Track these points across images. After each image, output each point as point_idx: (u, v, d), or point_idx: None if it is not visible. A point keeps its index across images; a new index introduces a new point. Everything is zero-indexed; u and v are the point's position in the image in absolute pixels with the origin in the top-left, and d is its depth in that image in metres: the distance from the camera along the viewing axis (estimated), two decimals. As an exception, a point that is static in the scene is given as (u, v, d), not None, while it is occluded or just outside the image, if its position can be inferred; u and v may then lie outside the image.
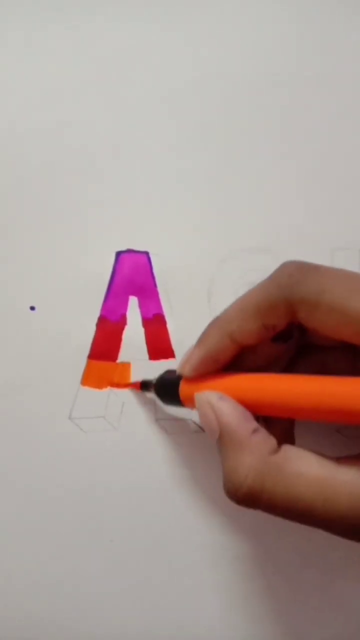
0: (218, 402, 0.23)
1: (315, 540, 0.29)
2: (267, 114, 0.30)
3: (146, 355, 0.30)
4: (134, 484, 0.29)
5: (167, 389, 0.26)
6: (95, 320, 0.30)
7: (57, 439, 0.29)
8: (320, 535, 0.22)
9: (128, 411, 0.30)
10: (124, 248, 0.30)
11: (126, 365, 0.29)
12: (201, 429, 0.29)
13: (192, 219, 0.30)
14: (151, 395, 0.29)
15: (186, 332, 0.29)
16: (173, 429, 0.30)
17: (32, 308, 0.30)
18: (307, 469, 0.21)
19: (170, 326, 0.30)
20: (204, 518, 0.30)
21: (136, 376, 0.29)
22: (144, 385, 0.28)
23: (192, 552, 0.29)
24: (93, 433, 0.29)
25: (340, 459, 0.22)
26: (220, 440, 0.23)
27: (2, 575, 0.29)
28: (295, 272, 0.22)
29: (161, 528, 0.29)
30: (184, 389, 0.25)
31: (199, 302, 0.30)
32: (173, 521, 0.29)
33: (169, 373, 0.27)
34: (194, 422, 0.30)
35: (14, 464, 0.29)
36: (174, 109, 0.30)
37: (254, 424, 0.23)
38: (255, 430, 0.23)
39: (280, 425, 0.24)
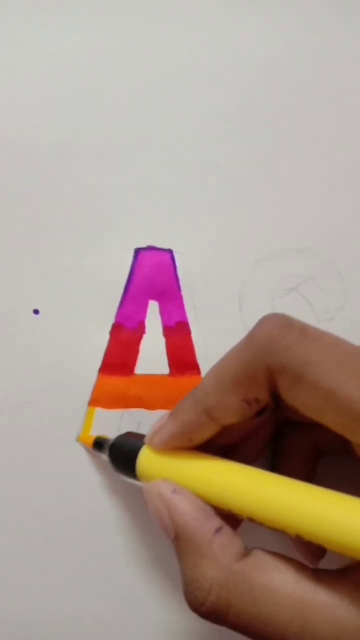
0: (172, 496, 0.21)
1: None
2: (314, 102, 0.28)
3: (167, 369, 0.27)
4: (148, 512, 0.27)
5: (123, 456, 0.24)
6: (108, 327, 0.27)
7: (62, 464, 0.27)
8: None
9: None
10: (143, 245, 0.28)
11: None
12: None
13: (223, 213, 0.28)
14: (104, 457, 0.26)
15: (213, 343, 0.27)
16: None
17: (36, 312, 0.27)
18: (280, 584, 0.18)
19: (195, 336, 0.28)
20: None
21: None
22: (97, 445, 0.26)
23: None
24: (103, 458, 0.26)
25: (318, 573, 0.19)
26: (176, 542, 0.20)
27: (4, 605, 0.28)
28: (275, 333, 0.20)
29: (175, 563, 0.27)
30: (143, 460, 0.23)
31: (228, 308, 0.28)
32: None
33: (129, 439, 0.25)
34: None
35: (14, 491, 0.27)
36: (210, 93, 0.28)
37: (215, 523, 0.20)
38: (217, 530, 0.20)
39: None
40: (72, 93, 0.27)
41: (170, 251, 0.27)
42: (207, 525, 0.20)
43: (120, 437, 0.25)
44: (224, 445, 0.23)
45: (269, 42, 0.28)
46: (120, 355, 0.27)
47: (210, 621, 0.20)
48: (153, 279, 0.27)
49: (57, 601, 0.27)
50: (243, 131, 0.28)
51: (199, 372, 0.27)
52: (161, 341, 0.27)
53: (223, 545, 0.20)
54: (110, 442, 0.25)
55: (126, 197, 0.27)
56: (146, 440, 0.23)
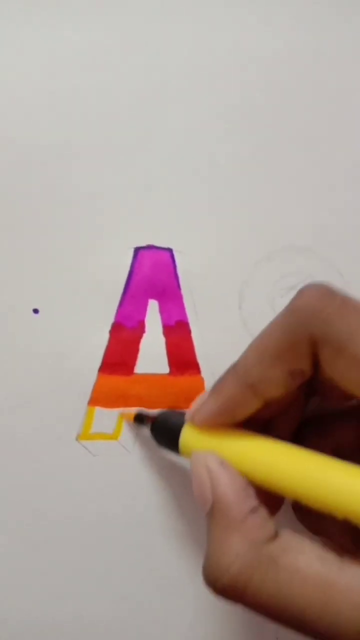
0: (218, 469, 0.21)
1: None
2: (316, 100, 0.28)
3: (167, 368, 0.27)
4: (150, 513, 0.27)
5: (166, 431, 0.24)
6: (108, 326, 0.27)
7: (62, 464, 0.27)
8: None
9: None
10: (143, 244, 0.27)
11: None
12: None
13: (223, 212, 0.28)
14: (143, 431, 0.26)
15: (213, 343, 0.27)
16: None
17: (36, 311, 0.27)
18: (305, 564, 0.18)
19: (195, 335, 0.27)
20: None
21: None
22: (139, 418, 0.26)
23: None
24: (104, 457, 0.27)
25: (344, 556, 0.19)
26: (210, 514, 0.20)
27: (4, 606, 0.27)
28: (317, 303, 0.19)
29: (179, 562, 0.27)
30: (186, 437, 0.23)
31: (228, 307, 0.27)
32: (192, 555, 0.27)
33: (172, 414, 0.25)
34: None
35: (14, 491, 0.27)
36: (209, 92, 0.28)
37: (252, 502, 0.20)
38: (252, 511, 0.20)
39: None
40: (71, 93, 0.27)
41: (170, 250, 0.27)
42: (245, 502, 0.20)
43: (163, 413, 0.25)
44: (260, 422, 0.23)
45: (269, 42, 0.28)
46: (120, 355, 0.27)
47: (224, 597, 0.19)
48: (153, 278, 0.27)
49: (57, 601, 0.27)
50: (243, 130, 0.28)
51: (199, 371, 0.27)
52: (161, 340, 0.27)
53: (255, 525, 0.19)
54: (153, 417, 0.25)
55: (126, 196, 0.27)
56: (187, 418, 0.23)
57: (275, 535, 0.19)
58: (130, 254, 0.27)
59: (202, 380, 0.27)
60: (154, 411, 0.25)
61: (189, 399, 0.27)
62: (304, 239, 0.27)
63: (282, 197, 0.28)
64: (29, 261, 0.27)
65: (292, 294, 0.27)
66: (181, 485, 0.27)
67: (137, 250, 0.27)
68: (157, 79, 0.28)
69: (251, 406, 0.21)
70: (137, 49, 0.28)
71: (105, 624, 0.27)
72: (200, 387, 0.27)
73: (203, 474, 0.21)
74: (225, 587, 0.19)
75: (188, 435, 0.23)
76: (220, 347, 0.27)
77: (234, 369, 0.21)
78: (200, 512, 0.21)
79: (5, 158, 0.27)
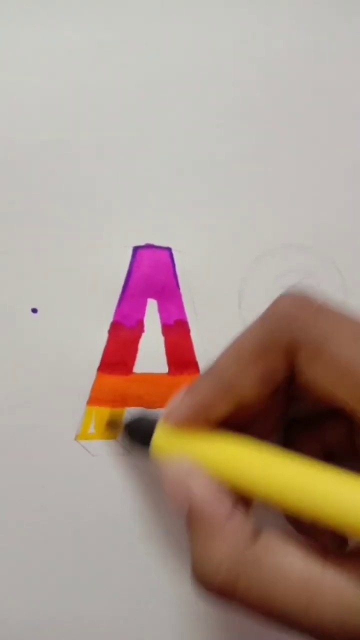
0: (188, 476, 0.21)
1: None
2: (314, 98, 0.28)
3: (166, 368, 0.27)
4: (150, 513, 0.27)
5: (139, 432, 0.24)
6: (107, 326, 0.27)
7: (61, 464, 0.27)
8: None
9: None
10: (142, 243, 0.27)
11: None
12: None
13: (222, 211, 0.28)
14: (120, 438, 0.26)
15: (213, 342, 0.27)
16: None
17: (34, 311, 0.27)
18: (288, 565, 0.19)
19: (195, 334, 0.27)
20: None
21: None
22: (111, 424, 0.26)
23: None
24: (103, 457, 0.27)
25: (327, 555, 0.19)
26: (189, 521, 0.21)
27: (2, 605, 0.27)
28: (294, 310, 0.20)
29: (178, 561, 0.27)
30: (159, 439, 0.23)
31: (228, 306, 0.27)
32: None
33: (145, 414, 0.25)
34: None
35: (13, 490, 0.27)
36: (208, 91, 0.28)
37: (228, 505, 0.20)
38: (230, 514, 0.20)
39: None
40: (70, 91, 0.27)
41: (168, 249, 0.27)
42: (221, 507, 0.20)
43: (135, 415, 0.25)
44: (238, 426, 0.23)
45: (269, 42, 0.28)
46: (119, 354, 0.27)
47: (215, 600, 0.20)
48: (152, 277, 0.27)
49: (56, 601, 0.27)
50: (242, 129, 0.28)
51: (198, 371, 0.27)
52: (160, 340, 0.27)
53: (235, 528, 0.20)
54: (126, 419, 0.25)
55: (124, 195, 0.27)
56: (163, 417, 0.23)
57: (256, 533, 0.20)
58: (128, 253, 0.27)
59: (201, 379, 0.27)
60: (125, 415, 0.26)
61: (188, 399, 0.27)
62: (303, 237, 0.27)
63: (281, 196, 0.28)
64: (28, 261, 0.27)
65: (291, 292, 0.27)
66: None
67: (136, 249, 0.27)
68: (156, 78, 0.28)
69: (225, 407, 0.21)
70: (137, 48, 0.28)
71: (104, 624, 0.27)
72: (200, 386, 0.27)
73: (176, 479, 0.21)
74: (216, 589, 0.19)
75: (161, 436, 0.22)
76: (219, 347, 0.26)
77: (210, 371, 0.22)
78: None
79: (4, 157, 0.27)
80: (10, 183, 0.27)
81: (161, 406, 0.26)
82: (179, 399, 0.22)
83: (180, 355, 0.27)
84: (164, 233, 0.27)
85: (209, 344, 0.27)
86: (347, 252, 0.27)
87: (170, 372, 0.27)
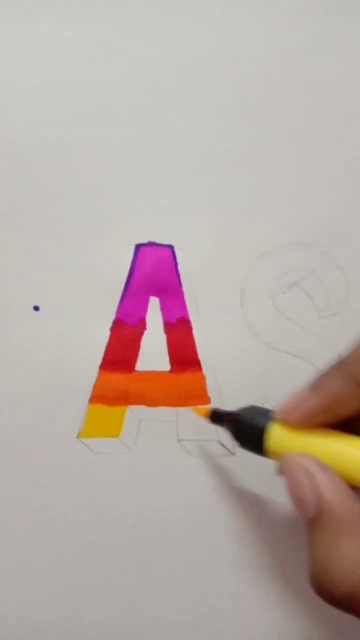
0: (319, 473, 0.20)
1: None
2: (314, 97, 0.28)
3: (168, 366, 0.27)
4: (150, 512, 0.27)
5: (249, 430, 0.23)
6: (109, 323, 0.27)
7: (63, 462, 0.27)
8: None
9: (146, 430, 0.27)
10: (144, 240, 0.27)
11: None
12: (230, 452, 0.27)
13: (224, 209, 0.27)
14: (222, 430, 0.25)
15: (215, 340, 0.27)
16: (197, 452, 0.27)
17: (36, 308, 0.27)
18: None
19: (197, 332, 0.27)
20: (223, 553, 0.27)
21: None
22: (215, 417, 0.25)
23: (207, 587, 0.27)
24: (105, 455, 0.27)
25: None
26: (317, 521, 0.19)
27: (5, 605, 0.27)
28: None
29: (176, 563, 0.27)
30: (276, 438, 0.22)
31: (230, 305, 0.27)
32: (190, 556, 0.27)
33: (254, 410, 0.23)
34: (221, 444, 0.27)
35: (14, 489, 0.27)
36: (210, 89, 0.28)
37: (359, 505, 0.19)
38: None
39: None
40: (71, 89, 0.27)
41: (171, 247, 0.27)
42: (355, 507, 0.19)
43: (242, 412, 0.23)
44: (339, 423, 0.22)
45: (268, 41, 0.28)
46: (121, 352, 0.27)
47: (337, 607, 0.18)
48: (154, 275, 0.27)
49: (58, 598, 0.27)
50: (243, 127, 0.28)
51: (200, 369, 0.27)
52: (162, 337, 0.27)
53: None
54: (234, 415, 0.23)
55: (126, 193, 0.27)
56: (279, 416, 0.22)
57: None
58: (131, 251, 0.27)
59: (203, 377, 0.27)
60: (232, 410, 0.24)
61: (190, 396, 0.27)
62: (305, 235, 0.27)
63: (282, 194, 0.27)
64: (30, 259, 0.27)
65: (294, 290, 0.27)
66: (182, 483, 0.27)
67: (138, 247, 0.27)
68: (157, 77, 0.28)
69: (356, 403, 0.20)
70: (137, 47, 0.28)
71: (104, 622, 0.27)
72: (202, 384, 0.27)
73: (302, 478, 0.20)
74: (345, 595, 0.18)
75: (277, 436, 0.22)
76: (221, 345, 0.27)
77: (340, 365, 0.21)
78: (294, 529, 0.21)
79: (6, 155, 0.27)
80: (12, 181, 0.27)
81: (163, 404, 0.26)
82: (301, 397, 0.21)
83: (183, 353, 0.27)
84: (166, 231, 0.27)
85: (211, 342, 0.27)
86: (348, 249, 0.27)
87: (172, 370, 0.27)
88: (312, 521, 0.19)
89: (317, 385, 0.21)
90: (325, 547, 0.19)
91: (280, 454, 0.21)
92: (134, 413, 0.27)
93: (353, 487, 0.20)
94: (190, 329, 0.27)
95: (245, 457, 0.23)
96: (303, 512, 0.20)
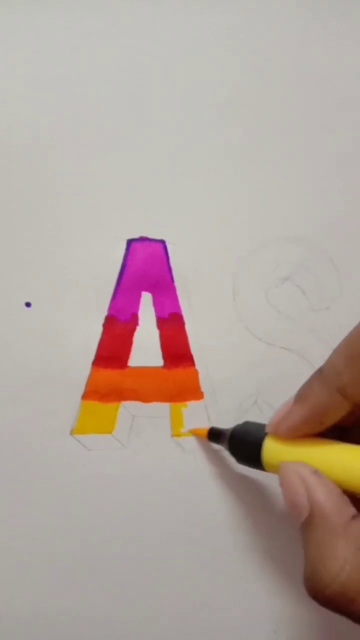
0: (312, 478, 0.20)
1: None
2: (305, 92, 0.28)
3: (161, 361, 0.27)
4: (144, 509, 0.27)
5: (245, 446, 0.23)
6: (101, 320, 0.27)
7: (56, 459, 0.26)
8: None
9: (139, 426, 0.27)
10: (136, 235, 0.27)
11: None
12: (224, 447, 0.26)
13: (215, 203, 0.27)
14: (220, 447, 0.26)
15: (207, 335, 0.27)
16: (190, 447, 0.27)
17: (28, 304, 0.27)
18: None
19: (189, 328, 0.27)
20: (219, 548, 0.27)
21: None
22: (213, 435, 0.26)
23: (203, 581, 0.27)
24: (98, 451, 0.27)
25: None
26: (309, 524, 0.20)
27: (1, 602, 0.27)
28: None
29: (172, 558, 0.27)
30: (270, 451, 0.22)
31: (222, 300, 0.27)
32: (186, 551, 0.27)
33: (248, 426, 0.24)
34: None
35: (8, 485, 0.27)
36: (201, 82, 0.27)
37: (351, 509, 0.20)
38: (354, 516, 0.19)
39: None
40: (62, 85, 0.27)
41: (162, 242, 0.27)
42: (346, 510, 0.19)
43: (238, 427, 0.24)
44: (335, 430, 0.22)
45: (263, 32, 0.28)
46: (113, 348, 0.26)
47: (329, 607, 0.18)
48: (146, 270, 0.27)
49: (53, 594, 0.27)
50: (235, 121, 0.27)
51: (193, 364, 0.27)
52: (155, 333, 0.27)
53: (358, 530, 0.19)
54: (229, 433, 0.24)
55: (117, 188, 0.27)
56: (269, 429, 0.22)
57: None
58: (122, 246, 0.27)
59: (196, 372, 0.27)
60: (227, 427, 0.25)
61: (184, 392, 0.27)
62: (297, 229, 0.27)
63: (274, 188, 0.27)
64: (21, 255, 0.27)
65: (287, 284, 0.27)
66: (175, 479, 0.27)
67: (130, 242, 0.27)
68: (148, 71, 0.27)
69: (340, 411, 0.21)
70: (129, 40, 0.27)
71: (101, 618, 0.27)
72: (195, 379, 0.27)
73: (297, 484, 0.20)
74: (334, 594, 0.18)
75: (271, 449, 0.22)
76: (214, 339, 0.27)
77: (320, 376, 0.21)
78: (290, 522, 0.20)
79: (-4, 151, 0.27)
80: (2, 177, 0.27)
81: (157, 399, 0.26)
82: (288, 409, 0.21)
83: (175, 348, 0.27)
84: (157, 225, 0.27)
85: (204, 337, 0.27)
86: (340, 242, 0.27)
87: (165, 365, 0.27)
88: (304, 524, 0.20)
89: (300, 396, 0.21)
90: (316, 548, 0.19)
91: (276, 466, 0.22)
92: (127, 409, 0.26)
93: (345, 492, 0.20)
94: (182, 324, 0.27)
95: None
96: (295, 517, 0.20)
